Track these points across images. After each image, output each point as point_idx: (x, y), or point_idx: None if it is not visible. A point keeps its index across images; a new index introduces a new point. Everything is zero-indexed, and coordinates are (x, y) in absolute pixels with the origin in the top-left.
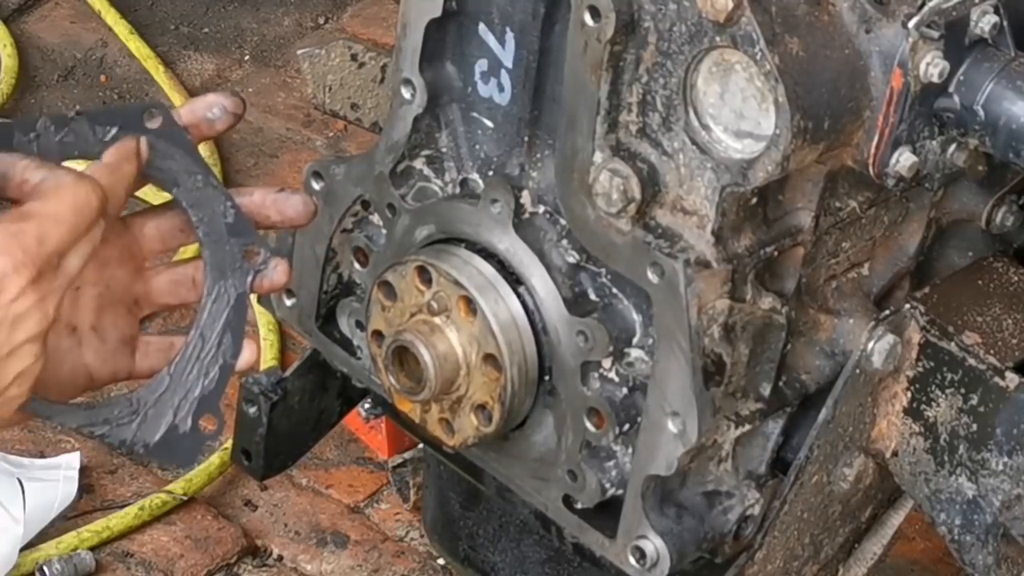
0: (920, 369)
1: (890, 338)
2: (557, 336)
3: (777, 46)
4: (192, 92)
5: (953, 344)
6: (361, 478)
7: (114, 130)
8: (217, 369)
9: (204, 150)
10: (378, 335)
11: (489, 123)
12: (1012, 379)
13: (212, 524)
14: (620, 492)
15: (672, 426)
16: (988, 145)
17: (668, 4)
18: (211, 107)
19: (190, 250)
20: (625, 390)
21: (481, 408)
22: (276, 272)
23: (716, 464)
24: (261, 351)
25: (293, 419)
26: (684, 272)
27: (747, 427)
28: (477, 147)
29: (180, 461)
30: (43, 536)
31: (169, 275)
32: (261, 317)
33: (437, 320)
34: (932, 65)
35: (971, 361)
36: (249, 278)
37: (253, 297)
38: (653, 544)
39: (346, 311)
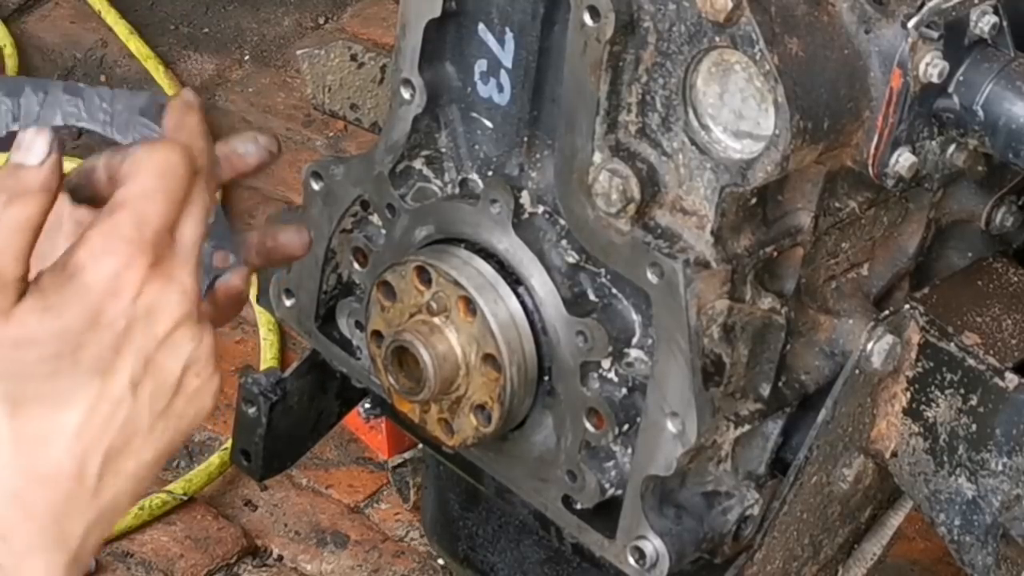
0: (919, 369)
1: (889, 338)
2: (556, 336)
3: (776, 46)
4: None
5: (953, 344)
6: (361, 478)
7: (118, 112)
8: None
9: None
10: (377, 335)
11: (488, 123)
12: (1011, 379)
13: (212, 524)
14: (619, 492)
15: (671, 426)
16: (987, 145)
17: (667, 4)
18: (246, 142)
19: None
20: (624, 390)
21: (480, 408)
22: (233, 277)
23: (715, 464)
24: (261, 351)
25: (292, 419)
26: (683, 272)
27: (746, 427)
28: (476, 147)
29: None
30: None
31: None
32: (261, 316)
33: (436, 320)
34: (931, 65)
35: (971, 361)
36: (210, 279)
37: (253, 297)
38: (652, 544)
39: (345, 311)
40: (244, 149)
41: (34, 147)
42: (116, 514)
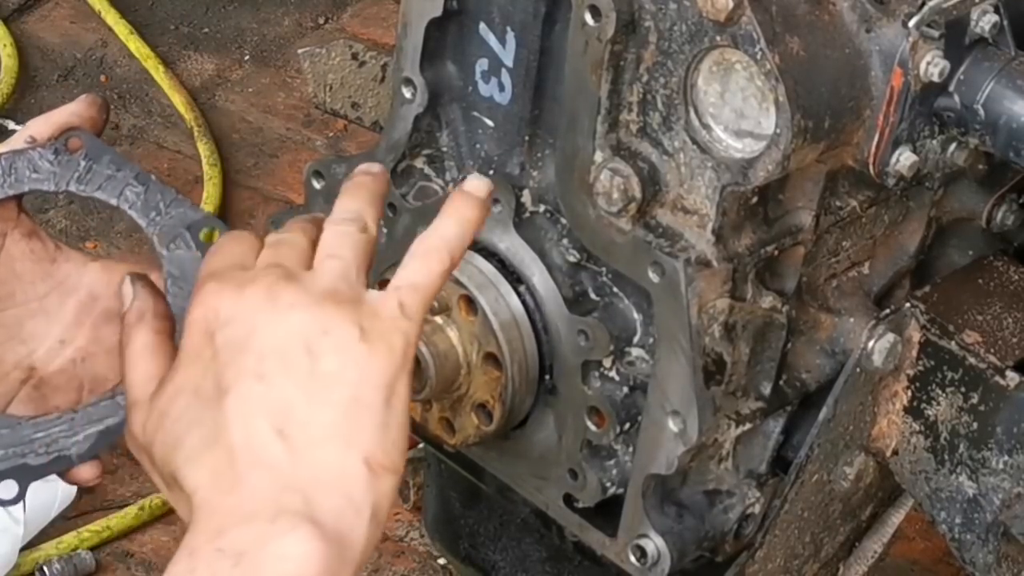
0: (920, 368)
1: (890, 337)
2: (558, 335)
3: (777, 45)
4: (192, 92)
5: (953, 343)
6: None
7: (168, 215)
8: None
9: (205, 150)
10: None
11: (490, 122)
12: (1012, 378)
13: None
14: (621, 491)
15: (673, 425)
16: (988, 144)
17: (669, 3)
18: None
19: None
20: (626, 389)
21: (482, 407)
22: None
23: (717, 463)
24: None
25: None
26: (685, 271)
27: (748, 426)
28: (478, 146)
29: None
30: (43, 536)
31: None
32: None
33: (438, 319)
34: (932, 64)
35: (971, 360)
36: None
37: None
38: (654, 543)
39: None
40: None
41: (125, 295)
42: (354, 479)
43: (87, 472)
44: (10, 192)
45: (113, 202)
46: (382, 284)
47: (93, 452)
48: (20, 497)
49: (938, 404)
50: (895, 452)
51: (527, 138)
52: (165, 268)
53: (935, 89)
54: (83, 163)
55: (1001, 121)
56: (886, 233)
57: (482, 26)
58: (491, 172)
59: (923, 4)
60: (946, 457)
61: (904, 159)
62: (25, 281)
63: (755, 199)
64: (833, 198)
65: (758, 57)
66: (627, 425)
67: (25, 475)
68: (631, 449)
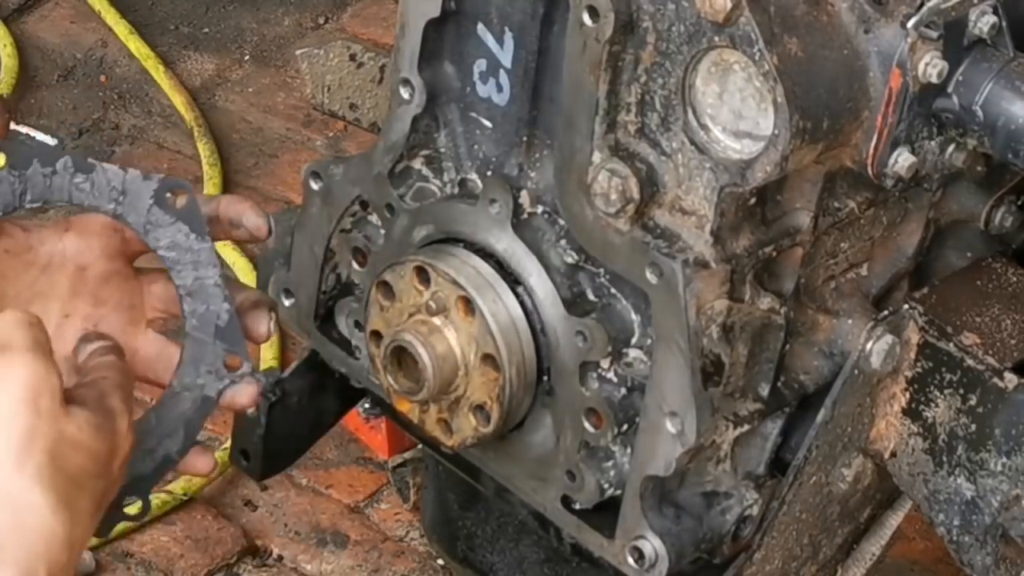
0: (919, 370)
1: (889, 338)
2: (556, 336)
3: (776, 46)
4: (192, 92)
5: (952, 345)
6: (361, 478)
7: (130, 193)
8: (158, 458)
9: (205, 150)
10: (376, 335)
11: (488, 123)
12: (1011, 380)
13: (212, 524)
14: (619, 492)
15: (670, 426)
16: (987, 145)
17: (667, 4)
18: (242, 215)
19: None
20: (624, 390)
21: (479, 408)
22: (243, 393)
23: (715, 464)
24: (260, 351)
25: (291, 419)
26: (683, 272)
27: (746, 427)
28: (476, 147)
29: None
30: None
31: (158, 347)
32: None
33: (436, 320)
34: (931, 65)
35: (970, 362)
36: (221, 386)
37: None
38: (651, 544)
39: (345, 311)
40: (237, 221)
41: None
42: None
43: (202, 464)
44: None
45: (66, 203)
46: (378, 285)
47: (188, 444)
48: (147, 509)
49: (936, 406)
50: (893, 454)
51: (525, 139)
52: (157, 253)
53: (933, 90)
54: (15, 177)
55: (999, 122)
56: (884, 235)
57: (480, 27)
58: (489, 173)
59: (921, 5)
60: (944, 459)
61: (903, 160)
62: (10, 278)
63: (753, 200)
64: (831, 199)
65: (756, 58)
66: (625, 426)
67: (142, 487)
68: (629, 450)
